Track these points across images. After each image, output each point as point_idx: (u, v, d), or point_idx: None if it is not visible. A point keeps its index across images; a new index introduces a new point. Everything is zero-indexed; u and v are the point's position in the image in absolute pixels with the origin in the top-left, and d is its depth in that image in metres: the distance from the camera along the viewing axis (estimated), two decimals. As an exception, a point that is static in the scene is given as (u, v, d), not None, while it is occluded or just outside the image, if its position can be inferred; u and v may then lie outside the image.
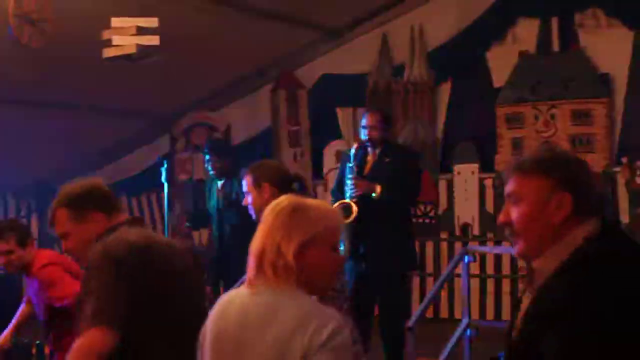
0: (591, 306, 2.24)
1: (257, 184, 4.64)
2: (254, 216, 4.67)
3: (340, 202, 6.81)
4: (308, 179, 10.58)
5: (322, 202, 2.86)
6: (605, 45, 9.27)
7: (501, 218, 2.53)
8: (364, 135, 6.98)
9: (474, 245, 9.31)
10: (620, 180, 9.01)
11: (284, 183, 4.65)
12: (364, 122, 7.04)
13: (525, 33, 9.70)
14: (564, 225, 2.42)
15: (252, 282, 2.71)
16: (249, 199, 4.69)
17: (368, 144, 7.01)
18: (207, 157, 8.23)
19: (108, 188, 3.61)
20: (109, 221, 3.45)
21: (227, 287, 7.02)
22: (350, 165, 6.89)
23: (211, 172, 8.18)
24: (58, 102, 9.67)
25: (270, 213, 2.74)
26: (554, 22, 9.57)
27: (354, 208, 6.72)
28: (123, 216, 3.54)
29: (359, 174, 6.87)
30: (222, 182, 8.17)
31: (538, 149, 2.60)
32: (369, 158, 6.99)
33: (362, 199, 6.77)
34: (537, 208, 2.43)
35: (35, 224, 11.72)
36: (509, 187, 2.51)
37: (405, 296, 7.07)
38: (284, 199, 2.77)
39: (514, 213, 2.48)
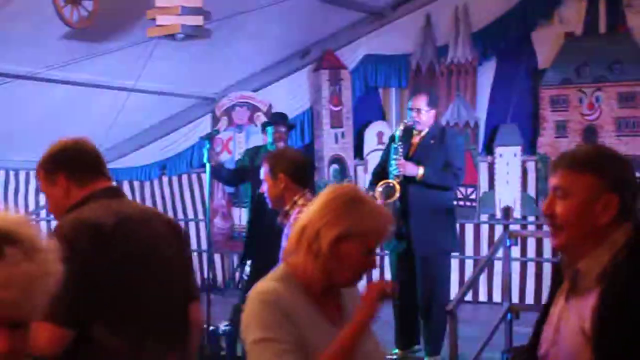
0: None
1: (273, 174, 4.65)
2: (270, 204, 4.71)
3: (385, 182, 6.87)
4: (349, 159, 10.56)
5: (378, 204, 2.85)
6: (653, 26, 9.14)
7: (545, 209, 2.51)
8: (410, 117, 7.04)
9: (515, 229, 9.24)
10: (666, 164, 8.88)
11: (300, 174, 4.65)
12: (410, 104, 7.10)
13: (572, 14, 9.58)
14: (608, 226, 2.42)
15: (287, 255, 2.75)
16: (264, 188, 4.70)
17: (414, 125, 7.01)
18: (271, 128, 8.20)
19: (92, 151, 3.27)
20: (81, 188, 3.15)
21: (253, 266, 7.10)
22: (395, 145, 6.92)
23: (271, 143, 8.13)
24: (104, 84, 9.74)
25: (327, 194, 2.74)
26: (601, 3, 9.44)
27: (397, 187, 6.79)
28: (102, 184, 3.21)
29: (404, 156, 6.92)
30: None
31: (589, 146, 2.60)
32: (414, 140, 7.04)
33: (406, 180, 6.81)
34: (584, 206, 2.42)
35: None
36: (556, 180, 2.49)
37: (445, 277, 7.07)
38: (347, 186, 2.79)
39: (560, 207, 2.46)
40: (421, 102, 7.04)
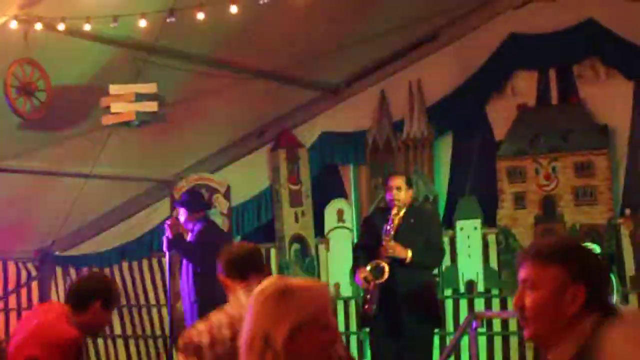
0: None
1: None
2: None
3: (375, 262, 6.92)
4: (310, 238, 10.50)
5: (308, 281, 2.76)
6: (605, 96, 9.25)
7: (515, 302, 2.53)
8: (388, 197, 7.16)
9: (480, 310, 9.21)
10: (625, 232, 8.93)
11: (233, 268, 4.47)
12: (388, 183, 7.19)
13: (524, 85, 9.68)
14: (576, 317, 2.43)
15: None
16: None
17: (390, 205, 7.27)
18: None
19: None
20: None
21: None
22: (388, 227, 6.99)
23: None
24: (61, 172, 9.67)
25: (256, 300, 2.64)
26: (552, 74, 9.56)
27: (387, 269, 6.85)
28: None
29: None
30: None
31: (553, 237, 2.63)
32: (395, 221, 7.10)
33: (393, 260, 6.89)
34: (552, 298, 2.44)
35: (36, 291, 11.62)
36: (524, 272, 2.51)
37: (429, 356, 7.13)
38: (269, 283, 2.66)
39: (528, 300, 2.48)
40: (400, 181, 7.17)
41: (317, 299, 2.63)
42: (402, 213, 7.19)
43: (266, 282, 2.68)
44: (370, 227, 7.35)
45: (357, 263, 7.23)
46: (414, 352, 6.91)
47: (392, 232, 7.01)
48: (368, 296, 6.98)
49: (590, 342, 2.38)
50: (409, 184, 7.34)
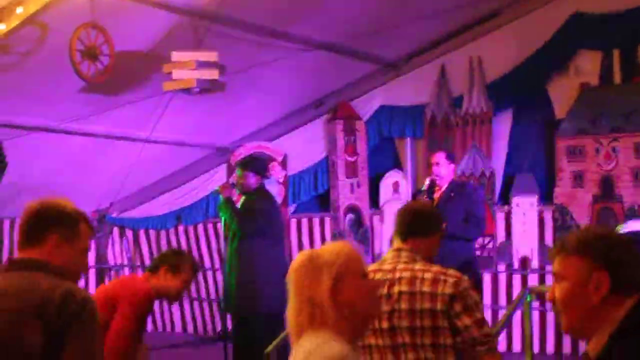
0: None
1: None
2: None
3: None
4: (365, 209, 10.55)
5: (331, 243, 2.88)
6: (668, 77, 9.15)
7: (549, 295, 2.58)
8: (432, 172, 7.27)
9: (534, 284, 9.19)
10: (682, 214, 8.84)
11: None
12: (431, 160, 7.30)
13: (587, 65, 9.58)
14: (604, 304, 2.44)
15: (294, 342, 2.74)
16: None
17: (436, 180, 7.30)
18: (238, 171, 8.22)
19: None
20: None
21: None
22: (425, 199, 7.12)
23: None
24: (120, 135, 9.82)
25: (291, 274, 2.78)
26: (616, 54, 9.44)
27: None
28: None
29: None
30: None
31: (582, 229, 2.66)
32: (435, 195, 7.17)
33: None
34: (577, 288, 2.47)
35: (94, 251, 11.84)
36: (553, 267, 2.56)
37: None
38: (298, 257, 2.82)
39: (557, 292, 2.53)
40: (440, 157, 7.26)
41: (344, 252, 2.78)
42: (443, 187, 7.28)
43: (296, 258, 2.83)
44: None
45: None
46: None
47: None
48: None
49: (624, 327, 2.40)
50: (450, 159, 7.43)
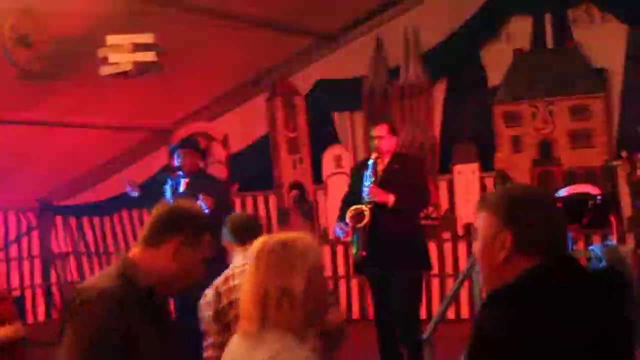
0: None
1: None
2: None
3: (355, 207, 6.95)
4: (308, 184, 10.58)
5: (296, 233, 2.87)
6: (600, 40, 9.32)
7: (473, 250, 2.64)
8: (373, 145, 7.19)
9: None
10: (621, 174, 9.02)
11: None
12: (372, 132, 7.22)
13: (519, 30, 9.72)
14: (506, 263, 2.45)
15: (252, 330, 2.73)
16: None
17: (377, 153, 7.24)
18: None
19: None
20: None
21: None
22: (369, 173, 7.02)
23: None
24: (58, 122, 9.71)
25: (259, 256, 2.77)
26: (547, 19, 9.60)
27: (367, 213, 6.88)
28: None
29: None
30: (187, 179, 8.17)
31: (499, 188, 2.66)
32: (379, 167, 7.15)
33: (377, 206, 6.92)
34: (485, 244, 2.50)
35: (37, 240, 11.72)
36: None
37: (419, 299, 7.20)
38: (266, 240, 2.81)
39: (473, 247, 2.58)
40: (383, 129, 7.21)
41: (313, 246, 2.81)
42: (386, 160, 7.22)
43: (262, 239, 2.82)
44: (356, 177, 7.38)
45: (342, 210, 7.28)
46: (402, 297, 6.97)
47: (374, 178, 7.05)
48: (360, 242, 7.04)
49: (497, 292, 2.42)
50: (392, 131, 7.36)
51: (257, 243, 2.81)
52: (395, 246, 6.94)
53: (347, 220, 6.99)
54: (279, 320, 2.68)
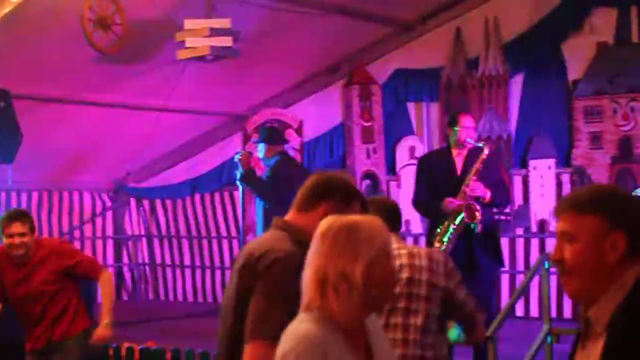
0: None
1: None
2: None
3: (468, 203, 6.74)
4: (382, 174, 10.51)
5: (364, 217, 2.79)
6: (686, 34, 9.05)
7: (554, 256, 2.43)
8: (463, 136, 6.94)
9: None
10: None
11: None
12: (464, 123, 7.00)
13: (603, 23, 9.47)
14: (618, 265, 2.33)
15: (312, 308, 2.66)
16: None
17: (467, 145, 7.00)
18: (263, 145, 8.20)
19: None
20: None
21: None
22: (476, 167, 6.84)
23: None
24: (135, 105, 9.81)
25: (323, 237, 2.69)
26: (633, 12, 9.34)
27: (478, 209, 6.72)
28: None
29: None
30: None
31: (590, 186, 2.54)
32: (461, 161, 6.96)
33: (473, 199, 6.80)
34: (591, 248, 2.34)
35: (111, 222, 11.89)
36: (561, 225, 2.42)
37: (498, 291, 7.14)
38: (332, 221, 2.72)
39: (568, 252, 2.39)
40: (473, 121, 7.11)
41: (380, 231, 2.71)
42: (465, 153, 7.02)
43: (329, 220, 2.73)
44: (430, 172, 7.17)
45: (433, 214, 7.05)
46: (486, 288, 6.85)
47: (471, 172, 6.84)
48: (450, 236, 6.86)
49: (635, 294, 2.29)
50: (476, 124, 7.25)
51: (323, 223, 2.72)
52: (481, 240, 6.81)
53: (465, 216, 6.78)
54: (336, 305, 2.61)
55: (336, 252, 2.64)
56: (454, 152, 7.01)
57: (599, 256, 2.33)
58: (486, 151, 6.84)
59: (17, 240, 5.51)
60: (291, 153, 10.44)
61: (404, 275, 3.87)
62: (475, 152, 6.96)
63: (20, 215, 5.63)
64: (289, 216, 3.26)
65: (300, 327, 2.64)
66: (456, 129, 6.98)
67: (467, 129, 6.95)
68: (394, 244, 4.23)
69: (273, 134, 8.44)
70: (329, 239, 2.67)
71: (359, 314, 2.66)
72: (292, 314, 2.75)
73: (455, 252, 6.78)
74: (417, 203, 7.25)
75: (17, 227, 5.51)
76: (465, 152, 6.99)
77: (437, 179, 7.02)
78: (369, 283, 2.62)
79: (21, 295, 5.63)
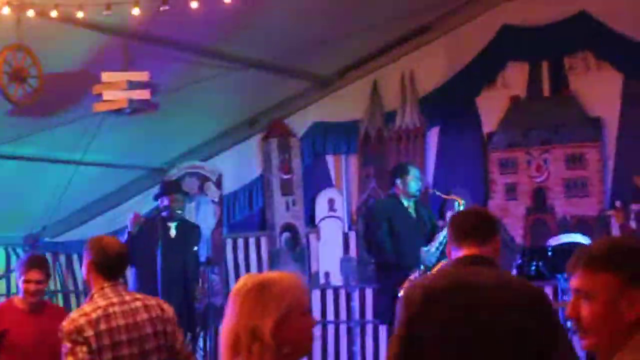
0: None
1: None
2: None
3: None
4: (301, 227, 10.52)
5: (282, 273, 2.80)
6: (596, 88, 9.30)
7: (570, 313, 2.40)
8: (414, 187, 7.25)
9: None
10: (615, 224, 8.97)
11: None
12: (415, 174, 7.28)
13: (516, 77, 9.71)
14: (635, 325, 2.31)
15: None
16: None
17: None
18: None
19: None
20: None
21: None
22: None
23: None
24: (52, 158, 9.68)
25: (236, 296, 2.70)
26: (544, 66, 9.59)
27: None
28: None
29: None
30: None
31: (604, 241, 2.48)
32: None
33: None
34: (608, 307, 2.32)
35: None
36: (576, 282, 2.39)
37: None
38: (246, 279, 2.74)
39: (585, 310, 2.36)
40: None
41: (294, 287, 2.71)
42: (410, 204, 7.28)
43: (243, 279, 2.75)
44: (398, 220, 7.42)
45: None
46: None
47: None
48: None
49: None
50: None
51: (238, 282, 2.75)
52: None
53: None
54: None
55: (247, 311, 2.64)
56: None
57: (616, 315, 2.30)
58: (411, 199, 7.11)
59: (32, 287, 5.62)
60: (211, 206, 10.45)
61: None
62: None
63: (41, 263, 5.77)
64: (472, 250, 3.73)
65: None
66: (415, 178, 7.29)
67: (416, 179, 7.20)
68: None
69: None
70: (241, 298, 2.67)
71: None
72: None
73: None
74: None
75: (34, 274, 5.63)
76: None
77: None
78: (280, 341, 2.60)
79: None
